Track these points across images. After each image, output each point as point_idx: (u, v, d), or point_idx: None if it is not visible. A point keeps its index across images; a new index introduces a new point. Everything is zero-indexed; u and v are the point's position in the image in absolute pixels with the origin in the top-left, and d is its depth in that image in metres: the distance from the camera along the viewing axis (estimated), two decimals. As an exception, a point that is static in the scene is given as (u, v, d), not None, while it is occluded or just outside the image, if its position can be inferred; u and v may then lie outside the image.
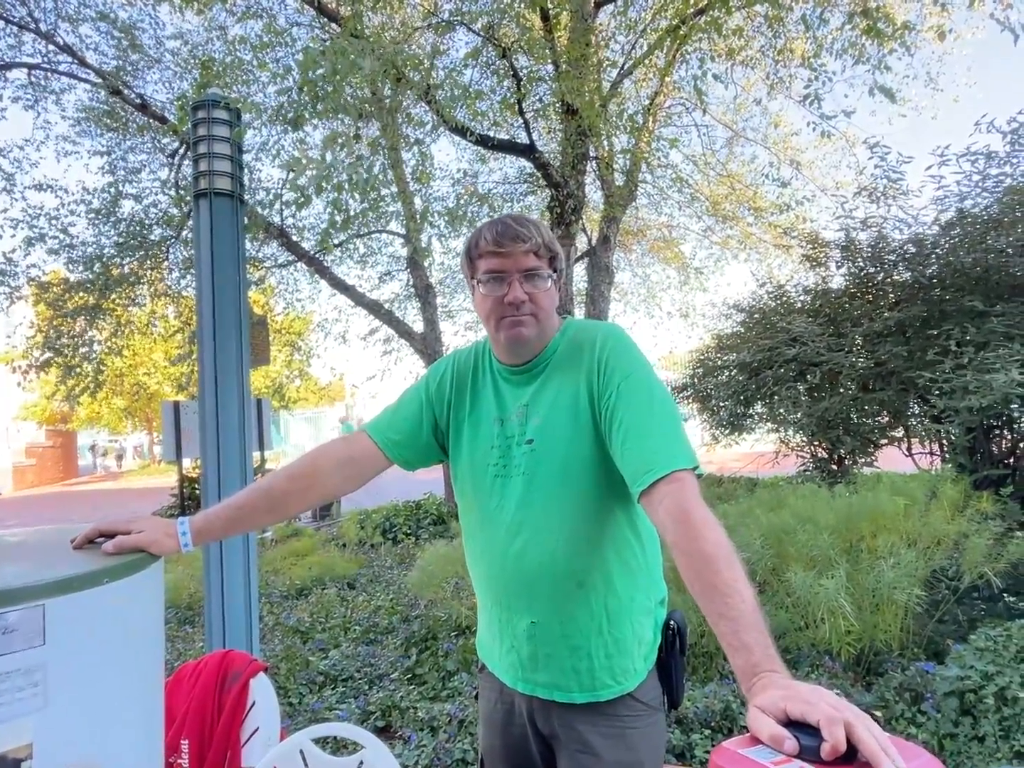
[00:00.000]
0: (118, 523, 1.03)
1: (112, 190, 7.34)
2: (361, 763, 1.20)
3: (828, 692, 0.62)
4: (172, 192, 7.01)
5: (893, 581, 2.77)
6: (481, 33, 5.49)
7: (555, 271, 1.13)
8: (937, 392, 4.80)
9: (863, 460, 6.10)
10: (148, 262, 7.67)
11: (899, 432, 6.07)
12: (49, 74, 6.95)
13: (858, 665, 2.77)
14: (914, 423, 5.79)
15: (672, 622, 1.15)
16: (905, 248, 5.54)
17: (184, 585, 5.20)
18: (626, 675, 1.09)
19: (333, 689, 3.12)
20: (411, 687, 3.04)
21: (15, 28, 6.44)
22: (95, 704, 0.87)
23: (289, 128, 4.49)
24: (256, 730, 1.38)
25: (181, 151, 6.58)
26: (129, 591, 0.93)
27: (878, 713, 2.29)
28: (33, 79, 6.95)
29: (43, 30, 6.42)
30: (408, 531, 7.08)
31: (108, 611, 0.89)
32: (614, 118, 6.34)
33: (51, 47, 6.58)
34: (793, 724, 0.59)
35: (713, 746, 2.24)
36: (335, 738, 2.23)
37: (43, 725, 0.81)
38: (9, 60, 6.67)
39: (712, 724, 2.34)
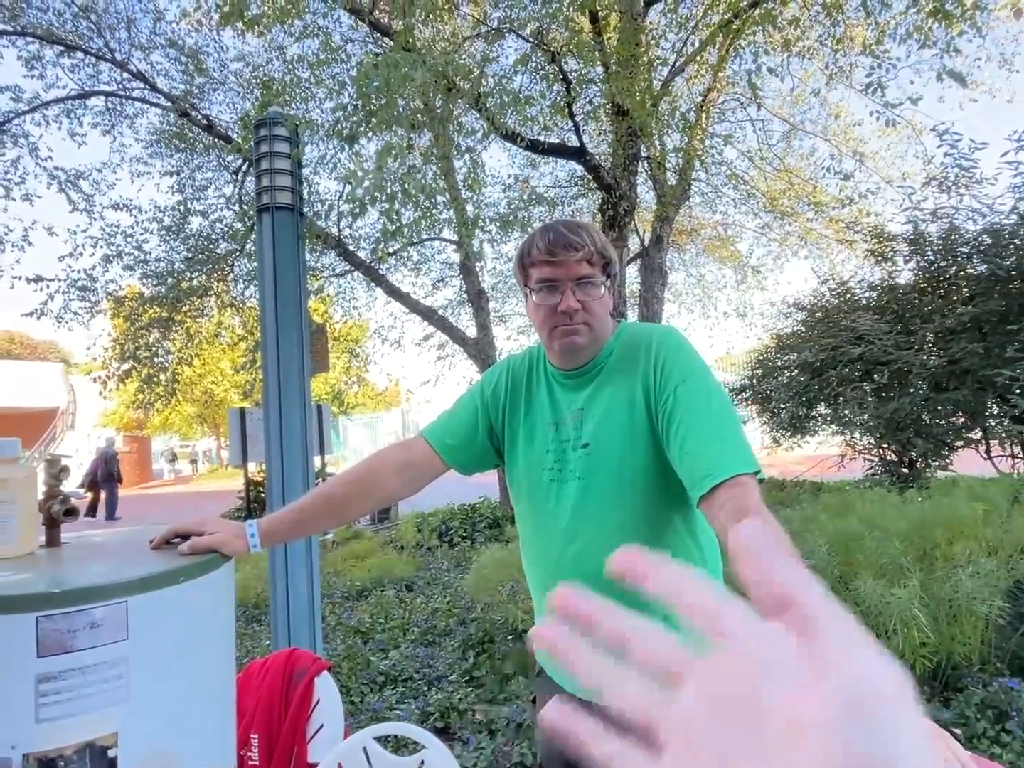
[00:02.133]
0: (192, 525, 1.08)
1: (181, 207, 7.73)
2: (422, 763, 1.21)
3: None
4: (236, 207, 7.33)
5: (972, 591, 2.61)
6: (530, 39, 5.51)
7: (608, 277, 1.12)
8: (1018, 391, 4.53)
9: (936, 463, 5.80)
10: (215, 275, 8.04)
11: (976, 434, 5.74)
12: (124, 100, 7.39)
13: (934, 679, 2.63)
14: (993, 424, 5.47)
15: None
16: (980, 239, 5.25)
17: (251, 585, 5.39)
18: (686, 684, 1.06)
19: (393, 689, 3.17)
20: (469, 689, 3.06)
21: (93, 59, 6.88)
22: (174, 696, 0.92)
23: (345, 144, 4.62)
24: (321, 727, 1.42)
25: (244, 168, 6.87)
26: (204, 589, 0.98)
27: (958, 731, 2.16)
28: (110, 105, 7.41)
29: (118, 59, 6.84)
30: (464, 534, 7.14)
31: (185, 608, 0.94)
32: (666, 117, 6.25)
33: (125, 75, 7.00)
34: None
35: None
36: (395, 737, 2.27)
37: (127, 715, 0.86)
38: (89, 89, 7.13)
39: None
